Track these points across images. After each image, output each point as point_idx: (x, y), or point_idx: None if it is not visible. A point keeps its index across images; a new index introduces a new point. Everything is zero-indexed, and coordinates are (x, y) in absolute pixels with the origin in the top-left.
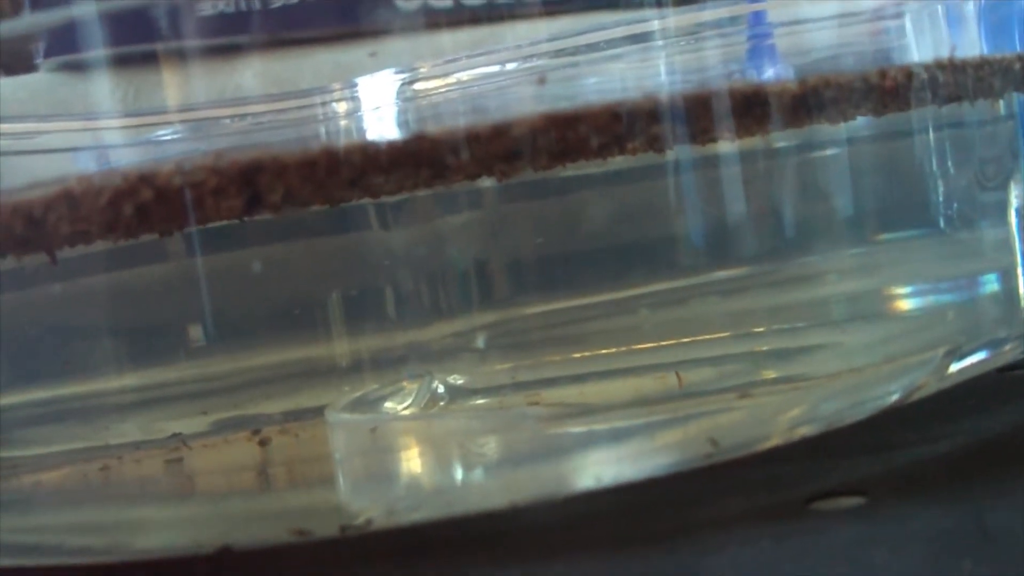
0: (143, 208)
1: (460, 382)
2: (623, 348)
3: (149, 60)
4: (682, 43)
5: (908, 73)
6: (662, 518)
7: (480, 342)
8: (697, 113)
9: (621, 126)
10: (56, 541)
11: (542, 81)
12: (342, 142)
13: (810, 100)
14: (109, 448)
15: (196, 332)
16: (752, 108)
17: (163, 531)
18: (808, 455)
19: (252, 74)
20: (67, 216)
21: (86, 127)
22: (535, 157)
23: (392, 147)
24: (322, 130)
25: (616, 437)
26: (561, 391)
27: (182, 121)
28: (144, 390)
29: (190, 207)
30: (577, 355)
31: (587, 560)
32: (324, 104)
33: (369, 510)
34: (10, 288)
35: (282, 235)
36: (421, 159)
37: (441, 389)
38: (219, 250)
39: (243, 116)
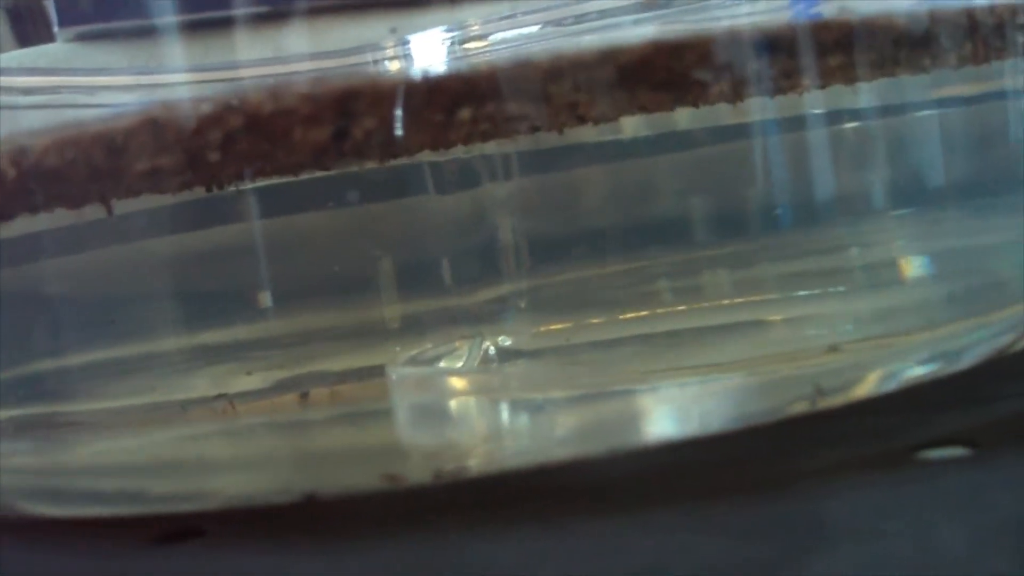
0: (230, 137)
1: (508, 343)
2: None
3: (161, 32)
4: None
5: (1013, 9)
6: (768, 467)
7: (524, 304)
8: (821, 44)
9: (729, 56)
10: (137, 487)
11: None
12: None
13: (915, 36)
14: (158, 406)
15: (250, 294)
16: (856, 43)
17: (243, 475)
18: (909, 407)
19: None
20: (150, 145)
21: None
22: (637, 88)
23: (496, 70)
24: None
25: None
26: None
27: (230, 80)
28: (196, 351)
29: (277, 138)
30: (637, 314)
31: (689, 508)
32: (376, 62)
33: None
34: (62, 252)
35: (337, 198)
36: (523, 86)
37: (492, 351)
38: (273, 213)
39: (291, 75)
